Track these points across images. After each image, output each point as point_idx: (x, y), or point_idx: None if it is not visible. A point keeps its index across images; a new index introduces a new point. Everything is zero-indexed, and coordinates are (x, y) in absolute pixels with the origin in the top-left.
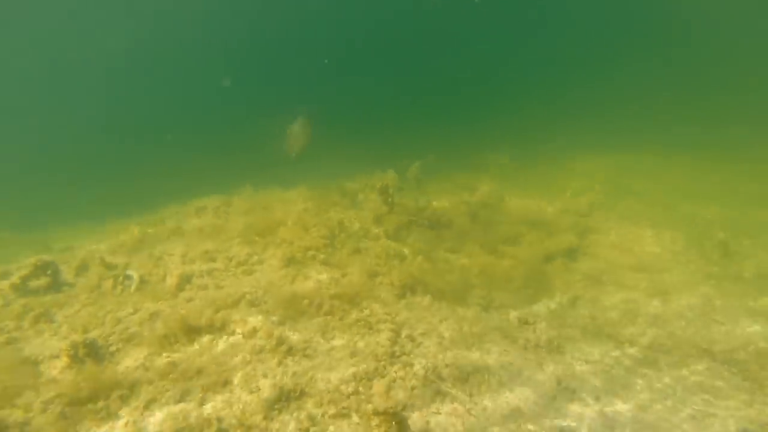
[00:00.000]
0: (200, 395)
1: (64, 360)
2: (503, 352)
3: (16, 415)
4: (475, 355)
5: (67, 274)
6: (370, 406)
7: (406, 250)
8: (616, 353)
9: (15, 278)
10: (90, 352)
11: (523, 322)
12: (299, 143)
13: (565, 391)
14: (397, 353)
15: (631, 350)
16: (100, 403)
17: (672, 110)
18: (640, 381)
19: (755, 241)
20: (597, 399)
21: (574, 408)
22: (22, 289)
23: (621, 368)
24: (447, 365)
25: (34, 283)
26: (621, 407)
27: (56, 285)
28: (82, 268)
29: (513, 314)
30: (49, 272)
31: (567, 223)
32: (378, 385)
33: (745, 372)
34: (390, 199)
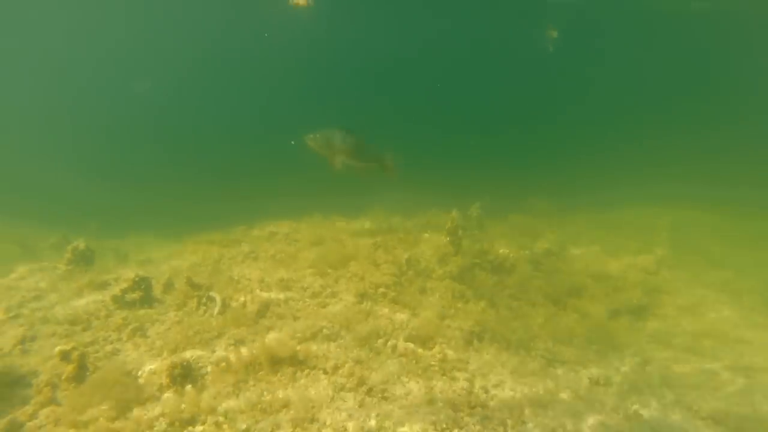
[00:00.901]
0: (290, 430)
1: (165, 379)
2: (579, 413)
3: (129, 429)
4: (552, 415)
5: (155, 289)
6: None
7: (470, 293)
8: (697, 427)
9: (117, 290)
10: (185, 373)
11: (594, 383)
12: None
13: None
14: (473, 403)
15: (718, 430)
16: (198, 427)
17: (737, 169)
18: None
19: None
20: None
21: None
22: (120, 301)
23: None
24: (523, 422)
25: (130, 296)
26: None
27: (148, 300)
28: (169, 286)
29: (584, 373)
30: (143, 287)
31: (633, 279)
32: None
33: None
34: (458, 241)
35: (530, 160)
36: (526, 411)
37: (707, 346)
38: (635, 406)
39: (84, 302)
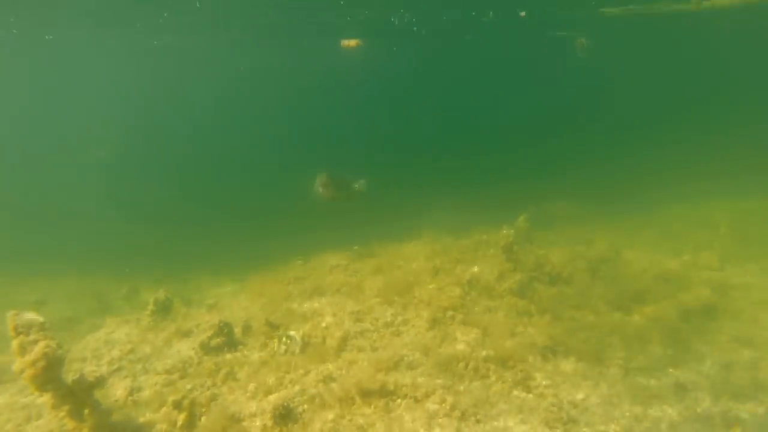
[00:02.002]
0: None
1: (268, 421)
2: (675, 424)
3: None
4: (642, 425)
5: (236, 333)
6: None
7: (532, 308)
8: None
9: (203, 337)
10: (287, 414)
11: (681, 388)
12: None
13: None
14: (565, 419)
15: None
16: None
17: None
18: None
19: None
20: None
21: None
22: (207, 347)
23: None
24: None
25: (215, 342)
26: None
27: (232, 344)
28: (247, 328)
29: (665, 381)
30: (225, 331)
31: (697, 278)
32: None
33: None
34: (514, 257)
35: (569, 168)
36: (621, 425)
37: None
38: (732, 410)
39: (175, 351)
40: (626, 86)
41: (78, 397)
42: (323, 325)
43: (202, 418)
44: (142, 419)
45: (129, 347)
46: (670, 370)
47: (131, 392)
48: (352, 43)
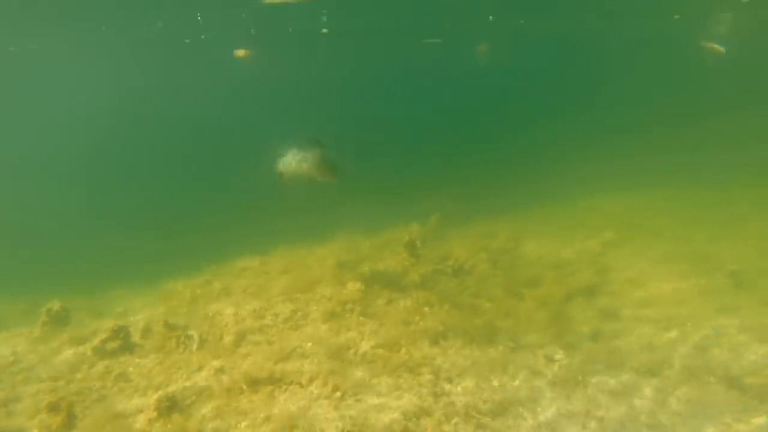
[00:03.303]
0: None
1: (152, 413)
2: (534, 388)
3: None
4: (508, 392)
5: (134, 336)
6: None
7: (433, 298)
8: (637, 383)
9: (96, 342)
10: (172, 406)
11: (549, 359)
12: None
13: (592, 419)
14: (438, 393)
15: (653, 380)
16: None
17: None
18: (659, 404)
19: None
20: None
21: None
22: (101, 351)
23: (645, 397)
24: (485, 401)
25: (110, 346)
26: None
27: (128, 347)
28: (147, 331)
29: (539, 352)
30: (121, 335)
31: (583, 263)
32: (426, 422)
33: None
34: (416, 252)
35: (484, 164)
36: (486, 393)
37: (648, 312)
38: (584, 372)
39: (64, 358)
40: (529, 86)
41: None
42: (224, 323)
43: (83, 420)
44: (13, 429)
45: (11, 359)
46: (547, 345)
47: (4, 403)
48: (241, 53)
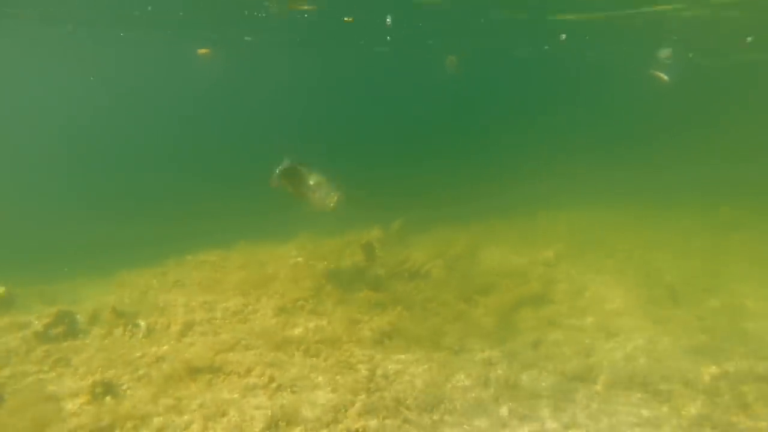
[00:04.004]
0: (202, 424)
1: (85, 397)
2: (466, 388)
3: None
4: (440, 391)
5: (81, 322)
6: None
7: (387, 300)
8: (556, 386)
9: (39, 326)
10: (106, 390)
11: (488, 363)
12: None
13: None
14: (372, 388)
15: (580, 385)
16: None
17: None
18: (580, 406)
19: (701, 287)
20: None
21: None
22: (43, 336)
23: (569, 400)
24: (415, 398)
25: (54, 331)
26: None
27: (73, 333)
28: (95, 317)
29: (479, 356)
30: (66, 320)
31: (535, 273)
32: (353, 411)
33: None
34: (373, 254)
35: (450, 173)
36: (420, 390)
37: (588, 322)
38: (518, 376)
39: (2, 341)
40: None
41: None
42: (173, 314)
43: (11, 401)
44: None
45: None
46: (489, 350)
47: None
48: (204, 51)
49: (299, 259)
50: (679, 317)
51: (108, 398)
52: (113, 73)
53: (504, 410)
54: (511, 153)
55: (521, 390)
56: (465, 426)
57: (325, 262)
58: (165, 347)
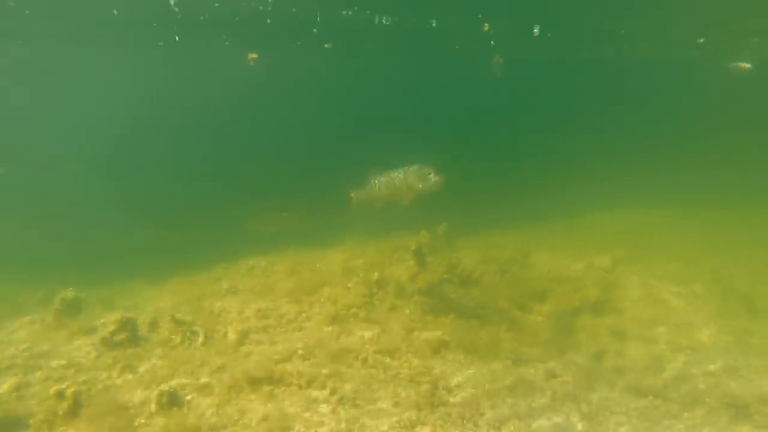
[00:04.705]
0: None
1: (153, 407)
2: (533, 402)
3: None
4: (506, 405)
5: (141, 329)
6: None
7: (439, 307)
8: (640, 404)
9: (105, 333)
10: (172, 401)
11: (551, 375)
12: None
13: None
14: (436, 402)
15: (656, 401)
16: None
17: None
18: (661, 426)
19: None
20: None
21: None
22: (110, 342)
23: (645, 419)
24: (481, 414)
25: (118, 337)
26: None
27: (135, 339)
28: (154, 325)
29: (541, 367)
30: (129, 327)
31: (592, 278)
32: (420, 428)
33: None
34: (423, 259)
35: (495, 175)
36: (486, 404)
37: (656, 332)
38: (586, 391)
39: (75, 347)
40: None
41: None
42: (228, 321)
43: (88, 408)
44: (22, 412)
45: (25, 345)
46: (549, 360)
47: (17, 388)
48: (253, 56)
49: (349, 264)
50: (758, 329)
51: (174, 409)
52: (164, 78)
53: (578, 427)
54: (556, 155)
55: (592, 405)
56: None
57: (375, 268)
58: (224, 356)
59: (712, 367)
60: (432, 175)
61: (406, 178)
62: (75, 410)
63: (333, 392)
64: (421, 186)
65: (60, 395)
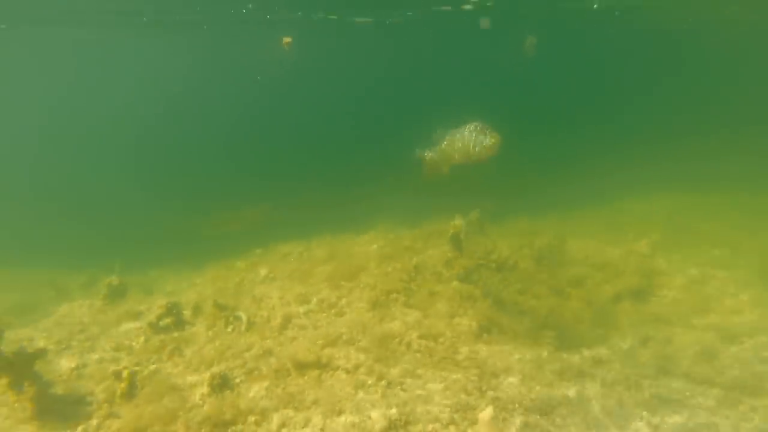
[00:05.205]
0: (321, 421)
1: (205, 389)
2: (583, 390)
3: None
4: (555, 392)
5: (186, 314)
6: None
7: (477, 292)
8: (693, 393)
9: (152, 317)
10: (223, 383)
11: (597, 362)
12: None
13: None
14: (485, 388)
15: (711, 390)
16: (239, 426)
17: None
18: (721, 421)
19: None
20: None
21: None
22: (156, 327)
23: (700, 409)
24: (532, 399)
25: (164, 322)
26: None
27: (180, 324)
28: (197, 309)
29: (586, 354)
30: (174, 312)
31: (632, 264)
32: (471, 416)
33: None
34: (460, 245)
35: (526, 161)
36: (535, 390)
37: (703, 320)
38: (637, 378)
39: (123, 330)
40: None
41: (17, 369)
42: (270, 306)
43: (143, 389)
44: (83, 391)
45: (79, 328)
46: (594, 347)
47: (76, 368)
48: (288, 39)
49: (385, 250)
50: None
51: (227, 391)
52: (192, 66)
53: (632, 415)
54: (588, 140)
55: (643, 392)
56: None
57: (411, 253)
58: (268, 341)
59: (764, 354)
60: (492, 134)
61: (472, 135)
62: (131, 391)
63: (381, 377)
64: (487, 143)
65: (117, 375)
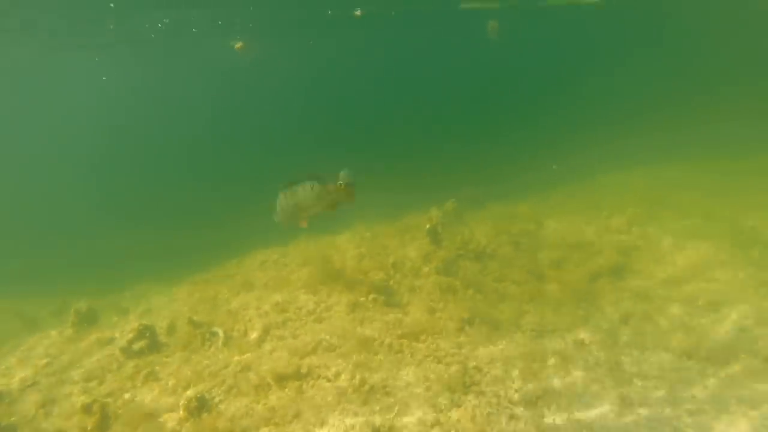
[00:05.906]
0: None
1: (182, 413)
2: (566, 374)
3: None
4: (539, 380)
5: (160, 335)
6: None
7: (457, 284)
8: (674, 366)
9: (123, 342)
10: (201, 405)
11: (579, 344)
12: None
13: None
14: (468, 383)
15: (689, 362)
16: None
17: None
18: (699, 387)
19: None
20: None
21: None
22: (128, 351)
23: (680, 380)
24: (516, 390)
25: (137, 345)
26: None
27: (155, 346)
28: (172, 329)
29: (568, 337)
30: (147, 334)
31: (608, 241)
32: (457, 415)
33: None
34: (438, 237)
35: (499, 147)
36: (519, 381)
37: (679, 292)
38: (618, 357)
39: (95, 359)
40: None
41: None
42: (247, 318)
43: (116, 420)
44: (51, 430)
45: (45, 361)
46: (575, 329)
47: (43, 405)
48: (239, 45)
49: (361, 250)
50: None
51: (204, 414)
52: (146, 77)
53: (614, 396)
54: (554, 121)
55: (626, 372)
56: (576, 414)
57: (389, 251)
58: (247, 355)
59: (746, 323)
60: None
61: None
62: (104, 423)
63: (363, 382)
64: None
65: (87, 409)
